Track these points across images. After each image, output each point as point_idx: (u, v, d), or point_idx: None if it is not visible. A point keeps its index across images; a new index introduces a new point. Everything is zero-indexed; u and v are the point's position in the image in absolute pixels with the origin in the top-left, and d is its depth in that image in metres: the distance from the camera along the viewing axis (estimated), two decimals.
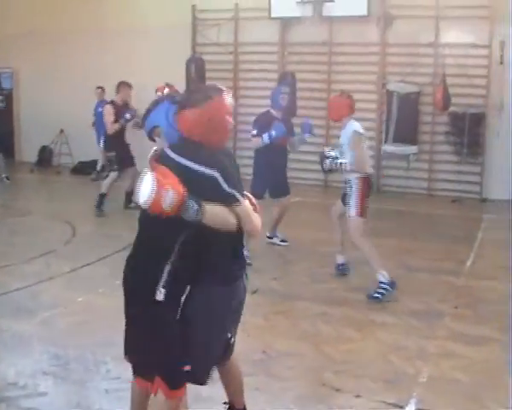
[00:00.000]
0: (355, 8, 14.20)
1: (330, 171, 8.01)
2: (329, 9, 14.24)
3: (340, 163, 7.72)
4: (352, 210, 7.70)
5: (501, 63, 13.86)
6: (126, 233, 7.51)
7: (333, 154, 7.88)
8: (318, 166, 8.15)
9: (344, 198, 7.93)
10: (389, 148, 14.40)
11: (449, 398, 5.22)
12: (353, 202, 7.70)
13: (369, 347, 6.22)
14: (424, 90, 14.29)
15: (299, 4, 14.43)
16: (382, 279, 7.48)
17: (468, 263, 9.18)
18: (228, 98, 3.77)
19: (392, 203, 13.53)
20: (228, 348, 4.19)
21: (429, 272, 8.60)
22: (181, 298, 3.82)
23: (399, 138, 14.28)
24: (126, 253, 3.90)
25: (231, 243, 3.85)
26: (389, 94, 14.47)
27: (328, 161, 7.81)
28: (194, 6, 15.79)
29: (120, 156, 11.83)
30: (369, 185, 7.88)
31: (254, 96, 14.98)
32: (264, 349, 6.06)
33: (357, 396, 5.23)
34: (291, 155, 10.33)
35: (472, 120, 13.86)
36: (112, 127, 11.53)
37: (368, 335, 6.51)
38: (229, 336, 4.15)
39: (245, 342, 6.22)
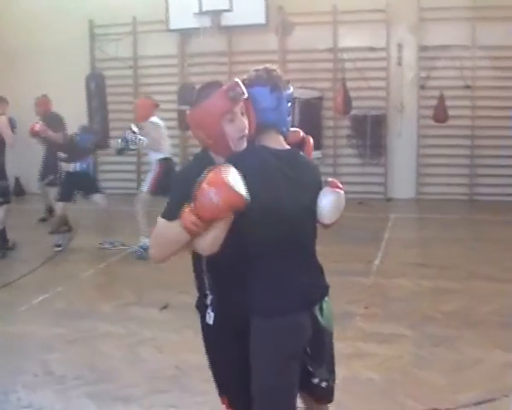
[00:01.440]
0: (253, 17, 14.21)
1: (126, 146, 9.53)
2: (228, 19, 14.24)
3: (139, 139, 9.46)
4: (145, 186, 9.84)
5: (399, 65, 14.17)
6: None
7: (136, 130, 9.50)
8: None
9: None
10: None
11: (364, 398, 5.26)
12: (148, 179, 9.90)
13: None
14: (325, 95, 14.47)
15: (197, 15, 14.34)
16: (142, 244, 9.56)
17: (377, 262, 9.30)
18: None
19: None
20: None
21: (338, 275, 8.56)
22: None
23: None
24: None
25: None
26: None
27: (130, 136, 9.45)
28: (91, 21, 15.55)
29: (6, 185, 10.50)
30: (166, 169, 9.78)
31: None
32: (177, 365, 5.97)
33: None
34: None
35: (373, 122, 14.10)
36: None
37: None
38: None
39: (157, 359, 6.17)
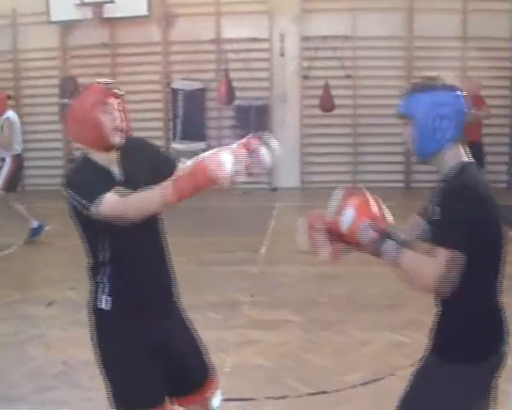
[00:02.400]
0: (136, 8, 14.07)
1: None
2: (110, 11, 14.04)
3: None
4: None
5: (281, 55, 14.32)
6: None
7: None
8: None
9: None
10: (178, 146, 14.44)
11: (254, 383, 5.36)
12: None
13: None
14: (209, 86, 14.48)
15: (78, 7, 14.08)
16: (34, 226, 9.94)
17: (262, 251, 9.42)
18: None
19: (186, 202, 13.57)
20: None
21: (224, 265, 8.73)
22: None
23: (187, 136, 14.36)
24: None
25: None
26: (174, 92, 14.54)
27: None
28: None
29: None
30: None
31: (37, 104, 14.75)
32: (65, 360, 5.91)
33: None
34: None
35: (257, 112, 14.19)
36: None
37: None
38: None
39: (45, 356, 6.08)
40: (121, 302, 3.39)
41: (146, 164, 3.49)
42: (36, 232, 10.04)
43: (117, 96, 3.36)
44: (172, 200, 3.06)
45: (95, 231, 3.30)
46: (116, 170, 3.39)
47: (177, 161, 3.62)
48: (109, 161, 3.37)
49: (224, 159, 3.04)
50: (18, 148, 10.15)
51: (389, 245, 2.84)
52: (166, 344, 3.45)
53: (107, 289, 3.40)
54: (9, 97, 10.33)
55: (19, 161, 10.18)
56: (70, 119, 3.37)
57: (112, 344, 3.42)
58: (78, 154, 3.47)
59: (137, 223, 3.13)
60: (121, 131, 3.34)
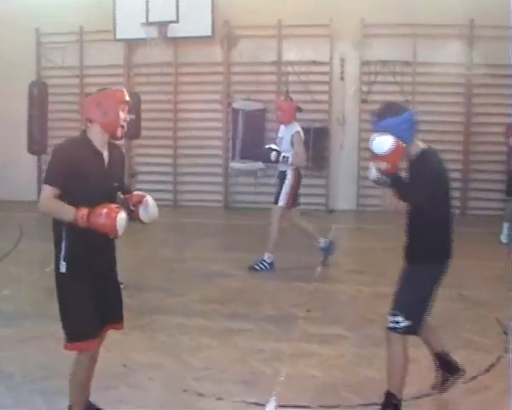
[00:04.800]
0: (200, 28, 14.40)
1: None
2: (174, 30, 14.38)
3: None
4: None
5: (341, 79, 14.50)
6: None
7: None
8: None
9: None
10: (236, 165, 14.69)
11: (307, 393, 5.47)
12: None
13: (228, 352, 6.39)
14: (269, 106, 14.69)
15: (144, 26, 14.47)
16: (266, 259, 9.45)
17: (318, 269, 9.59)
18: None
19: (241, 219, 13.80)
20: None
21: (283, 280, 8.91)
22: None
23: (246, 155, 14.59)
24: None
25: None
26: (235, 112, 14.79)
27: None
28: (37, 29, 15.56)
29: None
30: None
31: None
32: (125, 363, 6.12)
33: (219, 399, 5.40)
34: None
35: (316, 134, 14.34)
36: None
37: (225, 341, 6.67)
38: None
39: (105, 358, 6.26)
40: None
41: (120, 167, 4.69)
42: (327, 250, 9.88)
43: (128, 103, 4.54)
44: (80, 225, 4.18)
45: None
46: (105, 154, 4.48)
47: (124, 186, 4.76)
48: (102, 144, 4.46)
49: (118, 221, 4.24)
50: None
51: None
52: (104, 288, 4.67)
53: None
54: (300, 109, 10.24)
55: (299, 175, 9.68)
56: (92, 101, 4.44)
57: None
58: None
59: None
60: (123, 128, 4.50)
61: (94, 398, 5.35)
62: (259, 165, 14.46)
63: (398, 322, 4.85)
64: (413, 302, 4.87)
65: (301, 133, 9.62)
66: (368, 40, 14.28)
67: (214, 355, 6.29)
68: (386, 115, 4.82)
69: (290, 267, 9.72)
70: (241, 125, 14.70)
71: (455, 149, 14.37)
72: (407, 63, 14.13)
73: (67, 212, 4.19)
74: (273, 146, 9.53)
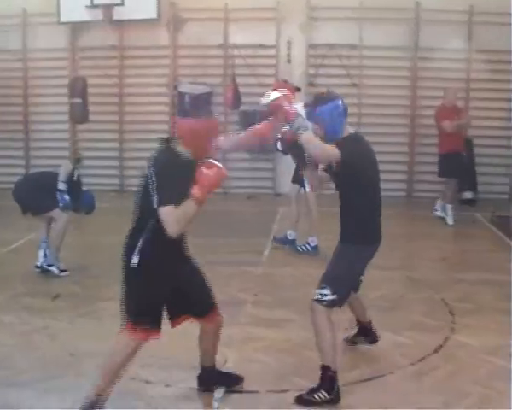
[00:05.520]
0: (145, 11, 14.18)
1: None
2: (120, 13, 14.16)
3: None
4: None
5: (288, 62, 14.48)
6: None
7: None
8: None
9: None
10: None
11: (256, 378, 5.48)
12: None
13: (176, 339, 6.30)
14: (216, 90, 14.57)
15: (88, 8, 14.21)
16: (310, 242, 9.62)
17: (266, 253, 9.60)
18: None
19: None
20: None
21: (230, 265, 8.85)
22: None
23: None
24: None
25: None
26: (181, 95, 14.59)
27: None
28: None
29: None
30: None
31: (46, 104, 14.89)
32: (72, 352, 6.05)
33: (167, 386, 5.43)
34: None
35: (262, 117, 14.25)
36: None
37: (173, 328, 6.62)
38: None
39: (51, 347, 6.21)
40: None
41: None
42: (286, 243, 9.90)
43: None
44: (202, 199, 4.48)
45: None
46: None
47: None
48: None
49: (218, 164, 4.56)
50: None
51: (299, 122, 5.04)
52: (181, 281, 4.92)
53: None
54: (298, 89, 10.18)
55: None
56: (195, 133, 4.67)
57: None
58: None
59: None
60: None
61: (41, 388, 5.31)
62: None
63: (324, 295, 5.17)
64: (340, 278, 5.23)
65: None
66: (315, 23, 14.27)
67: (162, 342, 6.21)
68: (318, 104, 5.31)
69: (237, 251, 9.69)
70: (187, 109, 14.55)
71: (401, 132, 14.51)
72: (353, 46, 14.17)
73: (189, 206, 4.46)
74: None
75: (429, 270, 9.01)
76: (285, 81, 10.21)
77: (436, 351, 6.14)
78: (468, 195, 13.92)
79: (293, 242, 9.77)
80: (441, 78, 13.68)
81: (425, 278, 8.58)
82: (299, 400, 5.10)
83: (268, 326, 6.65)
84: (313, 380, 5.20)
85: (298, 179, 9.54)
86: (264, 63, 14.46)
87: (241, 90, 14.05)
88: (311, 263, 8.97)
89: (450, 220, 11.81)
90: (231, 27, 14.52)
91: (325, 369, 5.10)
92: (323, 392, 5.05)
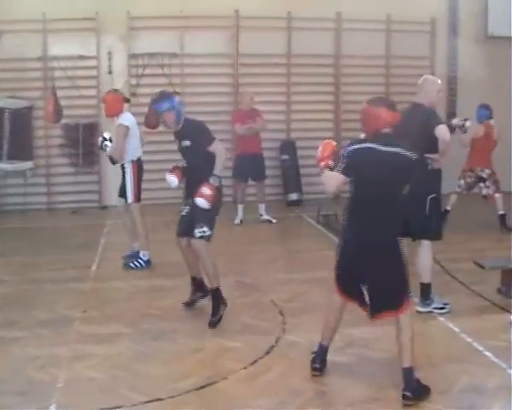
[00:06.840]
0: None
1: None
2: None
3: None
4: None
5: (109, 73, 14.31)
6: None
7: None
8: None
9: None
10: (4, 166, 14.08)
11: (88, 396, 5.39)
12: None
13: (2, 362, 6.12)
14: (36, 104, 14.20)
15: None
16: (142, 257, 9.40)
17: (94, 268, 9.41)
18: None
19: (13, 222, 13.21)
20: None
21: (54, 283, 8.58)
22: None
23: (14, 155, 14.03)
24: None
25: None
26: (0, 111, 14.15)
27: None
28: None
29: None
30: None
31: None
32: None
33: None
34: None
35: (85, 130, 14.12)
36: None
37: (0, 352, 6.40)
38: None
39: None
40: None
41: None
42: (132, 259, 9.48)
43: None
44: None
45: None
46: None
47: None
48: None
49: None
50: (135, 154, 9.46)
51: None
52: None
53: None
54: (128, 100, 10.13)
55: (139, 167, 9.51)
56: (373, 116, 5.35)
57: None
58: None
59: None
60: None
61: None
62: (29, 164, 14.03)
63: (205, 231, 6.80)
64: (211, 218, 6.92)
65: (125, 125, 9.23)
66: (135, 33, 14.20)
67: None
68: (165, 99, 7.11)
69: (64, 268, 9.40)
70: (7, 125, 14.11)
71: (220, 139, 14.65)
72: (174, 55, 14.21)
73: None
74: (106, 134, 9.42)
75: (258, 273, 9.14)
76: (115, 91, 10.01)
77: (268, 352, 6.24)
78: (293, 196, 14.37)
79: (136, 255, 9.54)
80: (261, 83, 14.07)
81: (254, 281, 8.71)
82: (212, 324, 6.81)
83: (98, 342, 6.51)
84: (147, 393, 5.24)
85: (123, 193, 9.40)
86: (84, 75, 14.21)
87: (63, 102, 13.67)
88: (141, 275, 8.93)
89: (237, 220, 12.53)
90: (50, 39, 14.14)
91: (215, 290, 6.96)
92: (222, 307, 6.96)
